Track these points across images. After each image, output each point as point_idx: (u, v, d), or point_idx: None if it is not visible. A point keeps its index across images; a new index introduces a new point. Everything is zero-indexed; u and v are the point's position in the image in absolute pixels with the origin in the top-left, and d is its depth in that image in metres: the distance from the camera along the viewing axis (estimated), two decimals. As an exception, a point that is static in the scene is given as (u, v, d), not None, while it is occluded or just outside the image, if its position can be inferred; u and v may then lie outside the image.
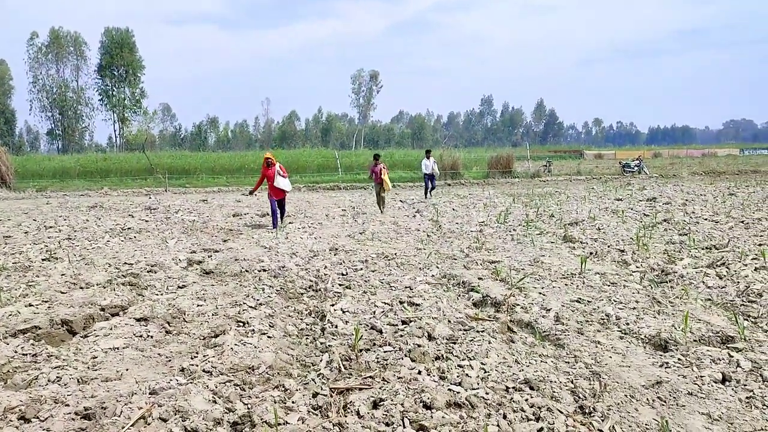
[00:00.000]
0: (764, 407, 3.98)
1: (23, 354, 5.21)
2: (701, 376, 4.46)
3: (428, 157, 22.84)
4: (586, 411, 3.87)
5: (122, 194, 27.55)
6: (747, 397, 4.12)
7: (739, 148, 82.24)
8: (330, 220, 16.24)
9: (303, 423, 3.74)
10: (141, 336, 5.77)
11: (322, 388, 4.30)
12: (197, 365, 4.87)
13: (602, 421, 3.69)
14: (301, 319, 6.48)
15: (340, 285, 7.76)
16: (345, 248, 10.84)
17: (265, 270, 8.88)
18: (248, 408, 3.98)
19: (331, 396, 4.17)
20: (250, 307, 6.77)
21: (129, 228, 14.15)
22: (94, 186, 30.38)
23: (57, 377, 4.66)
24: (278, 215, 14.44)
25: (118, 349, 5.39)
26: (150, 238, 12.77)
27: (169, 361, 5.18)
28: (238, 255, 10.38)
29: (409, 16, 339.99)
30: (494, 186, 30.56)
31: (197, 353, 5.22)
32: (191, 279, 8.37)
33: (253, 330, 5.85)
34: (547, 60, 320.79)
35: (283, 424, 3.69)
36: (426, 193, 22.90)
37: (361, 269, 8.80)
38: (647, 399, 4.08)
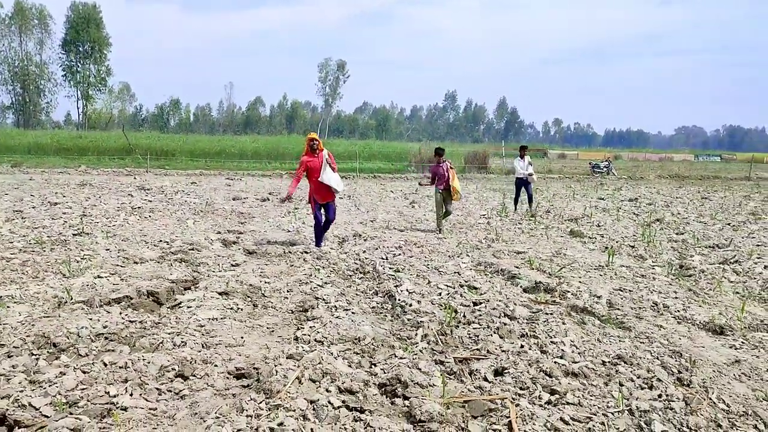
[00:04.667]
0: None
1: (130, 321, 5.49)
2: (772, 356, 5.06)
3: (523, 156, 16.39)
4: (685, 383, 4.40)
5: (103, 173, 27.22)
6: (814, 375, 4.73)
7: (693, 154, 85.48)
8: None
9: (446, 386, 4.17)
10: (232, 308, 6.09)
11: (446, 357, 4.73)
12: (308, 335, 5.24)
13: (706, 391, 4.22)
14: (370, 298, 6.87)
15: (389, 268, 8.16)
16: (369, 235, 11.23)
17: (306, 252, 9.22)
18: (385, 372, 4.39)
19: (456, 364, 4.62)
20: (318, 285, 7.14)
21: (139, 207, 14.22)
22: (71, 164, 29.88)
23: (182, 342, 4.97)
24: (322, 226, 9.90)
25: (217, 319, 5.71)
26: (165, 217, 12.91)
27: (272, 331, 5.53)
28: (267, 237, 10.69)
29: (376, 6, 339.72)
30: (473, 181, 31.20)
31: (302, 325, 5.58)
32: (240, 258, 8.65)
33: (335, 306, 6.23)
34: (511, 58, 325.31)
35: (431, 386, 4.11)
36: (516, 204, 16.71)
37: (400, 255, 9.21)
38: (734, 374, 4.64)
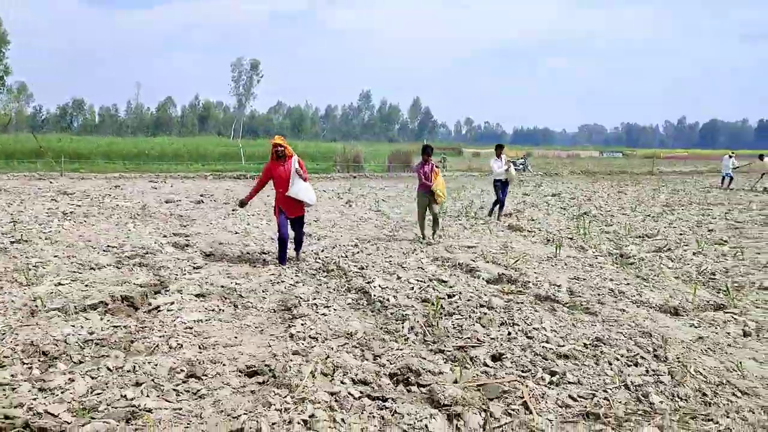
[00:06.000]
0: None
1: (114, 326, 5.40)
2: (728, 333, 5.60)
3: (499, 156, 14.38)
4: (662, 359, 4.80)
5: (14, 178, 25.79)
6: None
7: (598, 151, 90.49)
8: (270, 207, 16.45)
9: (453, 372, 4.38)
10: (214, 310, 6.07)
11: (444, 346, 4.95)
12: (302, 332, 5.32)
13: (684, 366, 4.63)
14: (344, 295, 6.99)
15: (354, 266, 8.29)
16: (319, 234, 11.34)
17: (264, 253, 9.23)
18: (392, 362, 4.56)
19: (456, 351, 4.84)
20: (292, 284, 7.21)
21: (71, 212, 13.66)
22: (-24, 169, 28.13)
23: (178, 344, 4.95)
24: (287, 243, 8.65)
25: (203, 321, 5.69)
26: (102, 222, 12.47)
27: (262, 331, 5.57)
28: (217, 239, 10.58)
29: (290, 5, 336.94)
30: (399, 180, 31.69)
31: (292, 323, 5.64)
32: (199, 261, 8.56)
33: (316, 304, 6.33)
34: (424, 58, 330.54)
35: (441, 373, 4.32)
36: (492, 209, 15.13)
37: (359, 252, 9.38)
38: (701, 350, 5.09)
